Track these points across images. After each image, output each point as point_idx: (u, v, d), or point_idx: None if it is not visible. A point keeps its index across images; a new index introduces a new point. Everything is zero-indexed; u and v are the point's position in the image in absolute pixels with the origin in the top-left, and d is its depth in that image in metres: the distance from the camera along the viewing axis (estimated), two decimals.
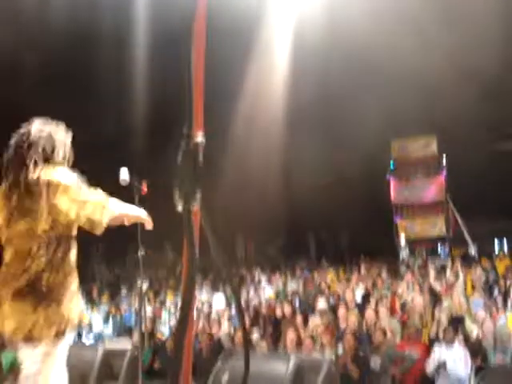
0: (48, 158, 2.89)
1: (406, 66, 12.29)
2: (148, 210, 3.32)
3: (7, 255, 2.83)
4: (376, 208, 18.94)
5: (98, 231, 2.78)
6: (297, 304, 10.91)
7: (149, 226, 3.11)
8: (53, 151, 2.92)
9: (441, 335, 7.15)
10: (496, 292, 10.06)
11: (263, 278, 14.63)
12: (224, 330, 9.10)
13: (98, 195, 2.82)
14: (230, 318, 9.70)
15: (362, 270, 13.82)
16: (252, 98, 14.83)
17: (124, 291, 13.80)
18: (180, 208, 1.18)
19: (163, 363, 8.01)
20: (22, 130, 2.95)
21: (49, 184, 2.75)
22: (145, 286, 3.90)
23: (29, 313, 2.74)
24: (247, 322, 8.90)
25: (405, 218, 20.48)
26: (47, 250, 2.78)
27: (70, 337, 2.87)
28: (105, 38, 12.38)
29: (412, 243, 20.80)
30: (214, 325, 9.28)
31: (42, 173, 2.80)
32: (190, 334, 1.67)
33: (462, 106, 13.16)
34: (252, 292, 12.98)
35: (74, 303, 2.86)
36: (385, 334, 7.54)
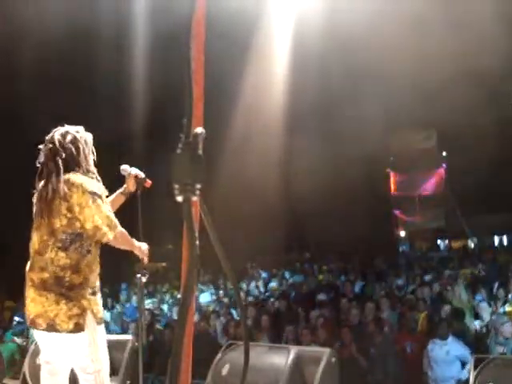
0: (72, 162, 3.20)
1: (406, 66, 12.26)
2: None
3: (36, 243, 3.18)
4: (376, 201, 18.93)
5: (100, 239, 3.14)
6: (297, 297, 10.94)
7: (146, 260, 3.45)
8: (77, 155, 3.21)
9: (436, 330, 7.13)
10: (496, 285, 10.07)
11: (263, 272, 14.67)
12: (216, 322, 9.11)
13: (110, 213, 3.17)
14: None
15: (362, 263, 13.84)
16: (251, 98, 14.81)
17: (124, 284, 13.83)
18: (180, 199, 1.17)
19: (161, 355, 8.03)
20: (48, 137, 3.27)
21: (71, 186, 3.09)
22: (144, 279, 3.91)
23: (52, 304, 3.04)
24: (247, 314, 8.92)
25: (404, 211, 20.48)
26: (66, 247, 3.09)
27: (100, 329, 3.17)
28: (103, 37, 12.33)
29: (411, 236, 20.82)
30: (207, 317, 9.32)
31: (66, 176, 3.13)
32: (190, 327, 1.67)
33: (462, 101, 13.13)
34: (252, 285, 13.02)
35: (93, 300, 3.15)
36: (382, 326, 7.56)
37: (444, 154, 19.87)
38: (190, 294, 1.11)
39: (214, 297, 12.04)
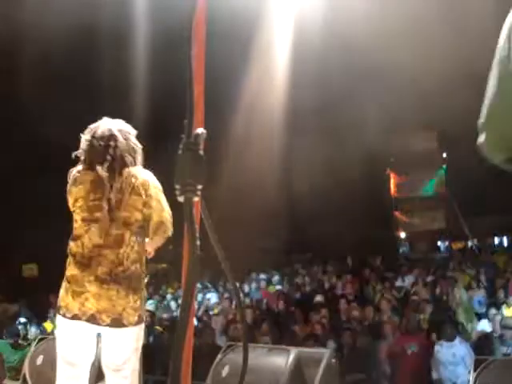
0: (130, 157, 3.21)
1: (406, 64, 12.27)
2: None
3: (97, 236, 3.08)
4: (376, 202, 18.92)
5: (161, 234, 3.18)
6: (297, 298, 10.94)
7: (151, 255, 3.39)
8: (134, 152, 3.24)
9: (441, 332, 7.13)
10: (496, 286, 10.07)
11: (263, 273, 14.65)
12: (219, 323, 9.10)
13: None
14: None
15: (362, 264, 13.83)
16: (251, 98, 14.81)
17: None
18: (181, 199, 1.17)
19: (163, 356, 8.03)
20: (105, 129, 3.21)
21: (144, 182, 3.12)
22: (145, 280, 3.92)
23: (121, 297, 3.01)
24: (247, 316, 8.91)
25: (405, 212, 20.48)
26: (137, 240, 3.10)
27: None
28: (104, 36, 12.32)
29: (412, 237, 20.81)
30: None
31: (133, 171, 3.14)
32: (191, 327, 1.67)
33: (462, 103, 13.12)
34: (253, 286, 13.00)
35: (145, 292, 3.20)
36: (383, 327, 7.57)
37: (444, 155, 19.89)
38: (191, 294, 1.11)
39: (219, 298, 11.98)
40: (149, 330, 8.59)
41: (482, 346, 6.96)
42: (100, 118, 3.35)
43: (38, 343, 5.72)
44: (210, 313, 10.37)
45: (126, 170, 3.13)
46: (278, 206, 17.32)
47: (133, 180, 3.10)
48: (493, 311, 8.25)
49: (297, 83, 14.04)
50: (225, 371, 4.87)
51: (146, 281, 3.21)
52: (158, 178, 3.29)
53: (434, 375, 6.74)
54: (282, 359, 4.70)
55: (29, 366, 5.50)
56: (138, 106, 13.53)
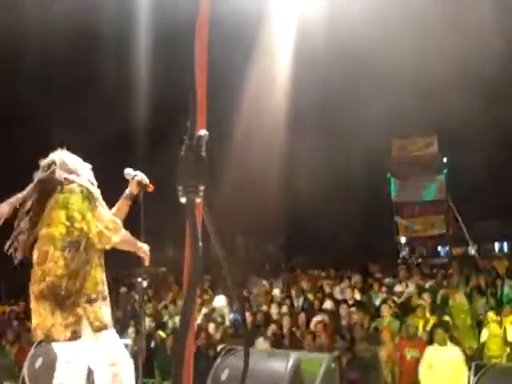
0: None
1: (406, 68, 12.29)
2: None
3: (35, 255, 3.21)
4: (376, 206, 18.93)
5: (106, 246, 3.16)
6: (299, 303, 10.90)
7: (147, 260, 3.42)
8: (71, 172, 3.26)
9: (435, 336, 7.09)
10: (496, 291, 10.04)
11: (263, 278, 14.59)
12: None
13: (112, 216, 3.20)
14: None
15: (362, 269, 13.79)
16: (253, 98, 14.84)
17: (124, 289, 13.77)
18: (183, 200, 1.17)
19: (162, 361, 8.02)
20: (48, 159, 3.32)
21: (69, 193, 3.12)
22: (145, 284, 3.92)
23: (48, 313, 3.09)
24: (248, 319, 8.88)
25: (405, 217, 20.46)
26: (65, 256, 3.11)
27: (104, 335, 3.21)
28: (106, 37, 12.35)
29: (412, 242, 20.81)
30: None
31: (65, 185, 3.17)
32: (192, 332, 1.67)
33: (462, 107, 13.15)
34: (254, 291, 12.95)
35: (89, 308, 3.17)
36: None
37: (445, 160, 19.90)
38: (193, 295, 1.11)
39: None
40: (150, 334, 8.57)
41: (479, 351, 6.96)
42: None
43: (37, 346, 5.70)
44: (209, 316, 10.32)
45: (56, 186, 3.17)
46: (278, 210, 17.32)
47: (57, 194, 3.14)
48: (487, 316, 8.23)
49: (299, 86, 14.06)
50: (224, 375, 4.85)
51: (88, 298, 3.18)
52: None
53: (424, 380, 6.71)
54: (282, 363, 4.68)
55: (28, 369, 5.48)
56: (140, 106, 13.53)
